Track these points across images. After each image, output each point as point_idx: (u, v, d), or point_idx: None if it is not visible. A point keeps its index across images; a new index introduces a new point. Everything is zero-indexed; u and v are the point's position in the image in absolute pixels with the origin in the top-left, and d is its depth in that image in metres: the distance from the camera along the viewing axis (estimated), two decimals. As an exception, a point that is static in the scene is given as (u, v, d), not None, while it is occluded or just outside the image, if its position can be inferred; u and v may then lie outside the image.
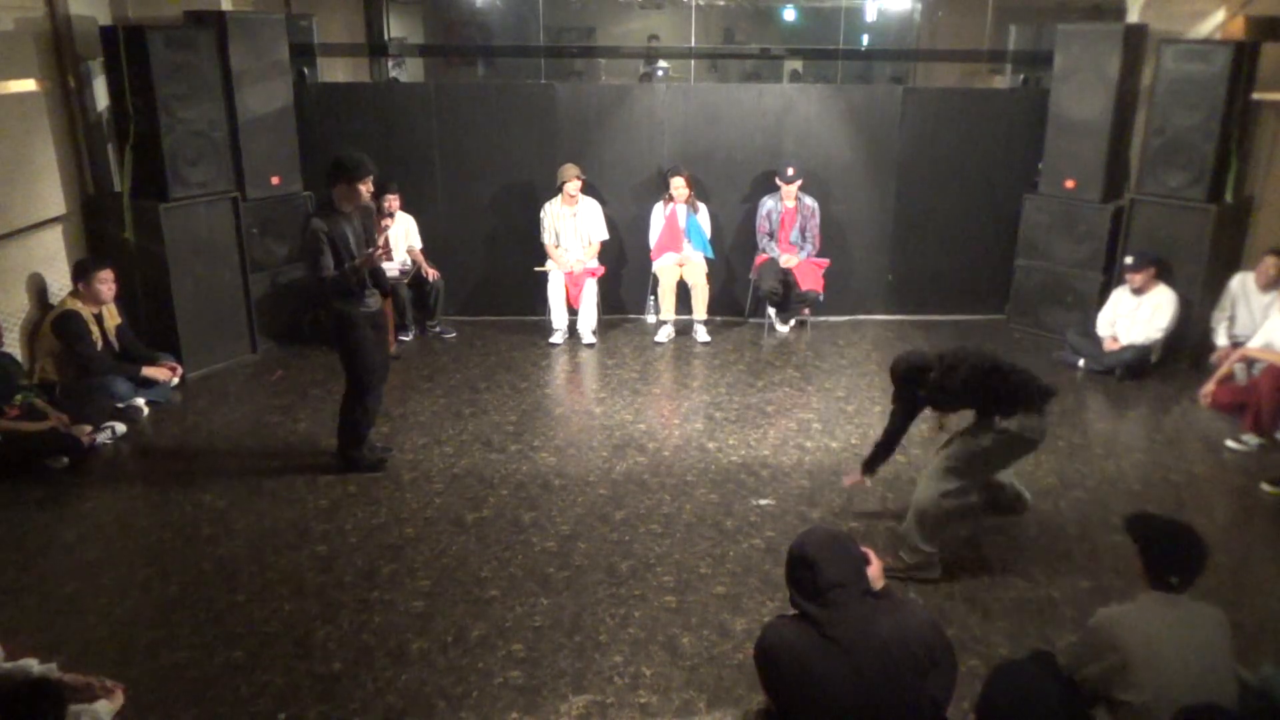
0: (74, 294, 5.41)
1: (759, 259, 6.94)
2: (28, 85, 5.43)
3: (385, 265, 6.30)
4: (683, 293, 6.85)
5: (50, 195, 5.61)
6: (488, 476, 4.76)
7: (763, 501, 4.53)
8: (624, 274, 7.26)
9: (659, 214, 6.86)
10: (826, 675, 2.40)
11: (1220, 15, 6.34)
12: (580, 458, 4.98)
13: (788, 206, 6.84)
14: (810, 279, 6.76)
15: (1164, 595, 2.70)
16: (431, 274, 6.85)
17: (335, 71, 8.27)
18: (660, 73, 10.64)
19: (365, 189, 4.47)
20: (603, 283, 6.90)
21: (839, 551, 2.51)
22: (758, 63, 11.39)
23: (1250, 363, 5.49)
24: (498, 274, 7.25)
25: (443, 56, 11.25)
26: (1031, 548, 4.10)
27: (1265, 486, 4.69)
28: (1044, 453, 4.79)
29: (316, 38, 7.33)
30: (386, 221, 6.52)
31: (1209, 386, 5.49)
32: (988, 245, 7.21)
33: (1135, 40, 6.35)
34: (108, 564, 3.99)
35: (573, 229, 6.75)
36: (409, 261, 6.74)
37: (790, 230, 6.87)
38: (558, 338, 6.76)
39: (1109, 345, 6.16)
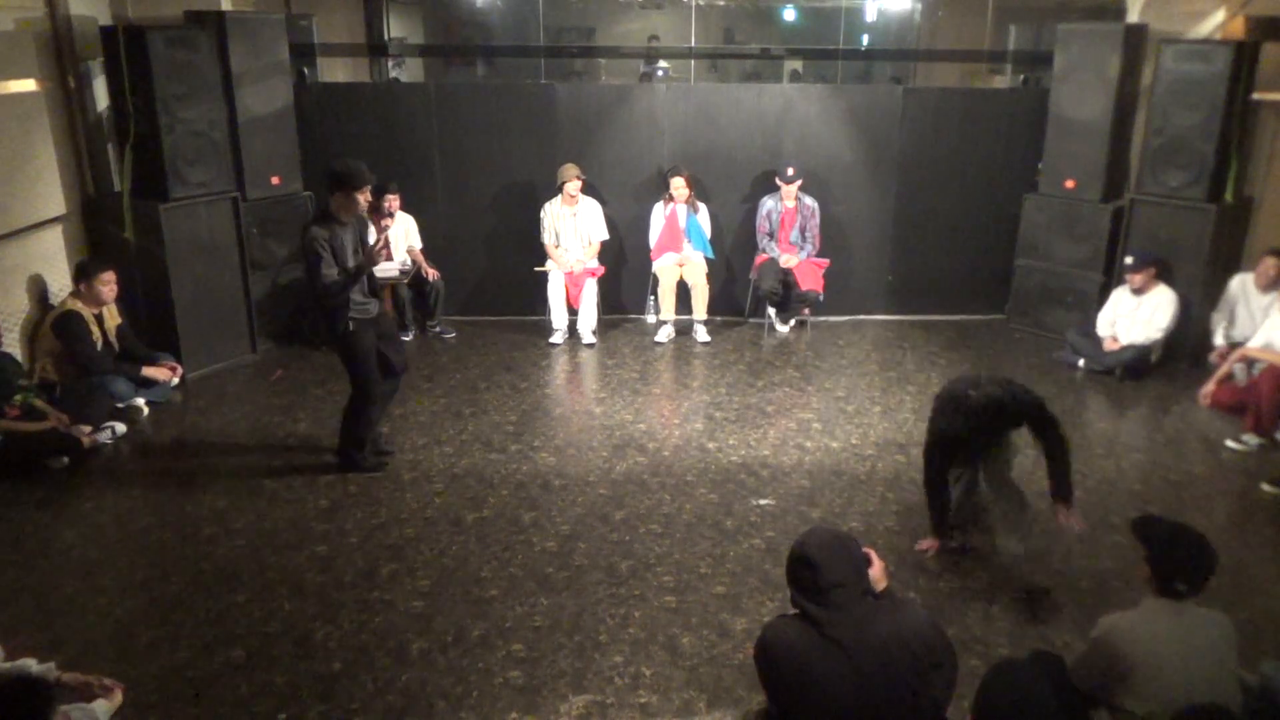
0: (74, 294, 5.41)
1: (759, 259, 6.94)
2: (28, 85, 5.43)
3: (385, 265, 6.39)
4: (683, 293, 6.85)
5: (50, 195, 5.61)
6: (488, 476, 4.76)
7: (763, 501, 4.53)
8: (624, 274, 7.26)
9: (659, 214, 6.86)
10: (826, 675, 2.40)
11: (1220, 15, 6.34)
12: (580, 458, 4.98)
13: (788, 206, 6.84)
14: (810, 279, 6.76)
15: (1169, 602, 2.67)
16: (431, 274, 6.85)
17: (335, 71, 8.27)
18: (660, 73, 10.64)
19: (363, 198, 4.46)
20: (603, 283, 6.90)
21: (840, 552, 2.51)
22: (758, 63, 11.39)
23: (1250, 363, 5.49)
24: (498, 274, 7.25)
25: (443, 56, 11.25)
26: (1030, 548, 4.09)
27: (1265, 486, 4.69)
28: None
29: (316, 38, 7.34)
30: (387, 221, 6.52)
31: (1209, 386, 5.50)
32: (988, 245, 7.21)
33: (1135, 40, 6.35)
34: (108, 564, 3.99)
35: (573, 229, 6.75)
36: (409, 261, 6.74)
37: (790, 230, 6.87)
38: (558, 338, 6.76)
39: (1109, 345, 6.16)
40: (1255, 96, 6.03)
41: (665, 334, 6.83)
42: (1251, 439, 5.12)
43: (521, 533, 4.24)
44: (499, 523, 4.32)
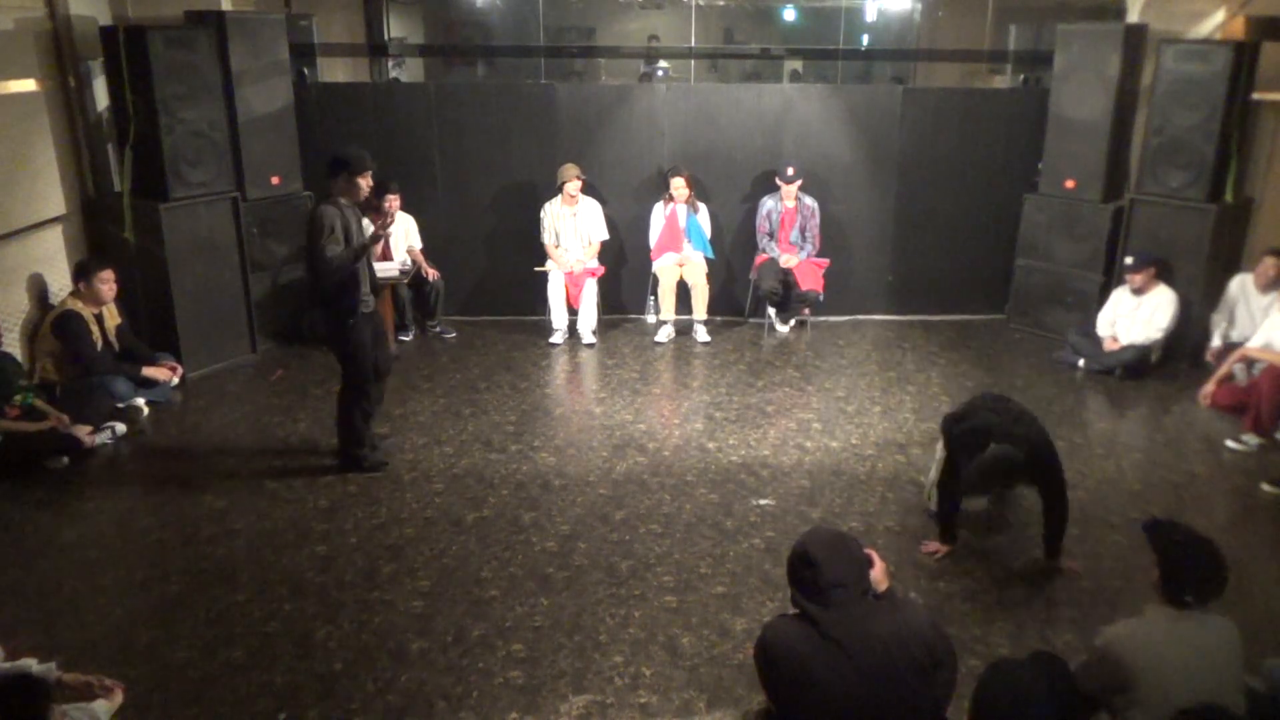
0: (74, 294, 5.40)
1: (759, 259, 6.93)
2: (28, 85, 5.43)
3: (385, 265, 6.39)
4: (683, 293, 6.85)
5: (50, 195, 5.61)
6: (488, 476, 4.76)
7: (763, 501, 4.53)
8: (624, 274, 7.26)
9: (659, 214, 6.86)
10: (826, 675, 2.40)
11: (1220, 15, 6.34)
12: (580, 458, 4.98)
13: (788, 206, 6.84)
14: (810, 279, 6.75)
15: (1174, 610, 2.63)
16: (431, 274, 6.85)
17: (335, 71, 8.26)
18: (660, 73, 10.64)
19: (365, 183, 4.49)
20: (603, 283, 6.90)
21: (841, 551, 2.51)
22: (758, 63, 11.39)
23: (1250, 363, 5.49)
24: (498, 274, 7.25)
25: (443, 56, 11.24)
26: (1032, 548, 4.09)
27: (1265, 486, 4.69)
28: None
29: (316, 38, 7.33)
30: (387, 219, 6.50)
31: (1209, 387, 5.50)
32: (988, 245, 7.21)
33: (1135, 40, 6.35)
34: (108, 564, 3.99)
35: (573, 229, 6.75)
36: (409, 261, 6.74)
37: (790, 230, 6.87)
38: (558, 338, 6.75)
39: (1109, 345, 6.16)
40: (1255, 96, 6.03)
41: (665, 334, 6.83)
42: (1251, 439, 5.12)
43: (521, 533, 4.24)
44: (499, 523, 4.32)
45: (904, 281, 7.37)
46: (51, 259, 5.67)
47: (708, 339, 6.81)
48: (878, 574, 2.65)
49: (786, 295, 6.88)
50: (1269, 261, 5.70)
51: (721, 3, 11.58)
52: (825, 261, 6.89)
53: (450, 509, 4.44)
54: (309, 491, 4.60)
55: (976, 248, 7.26)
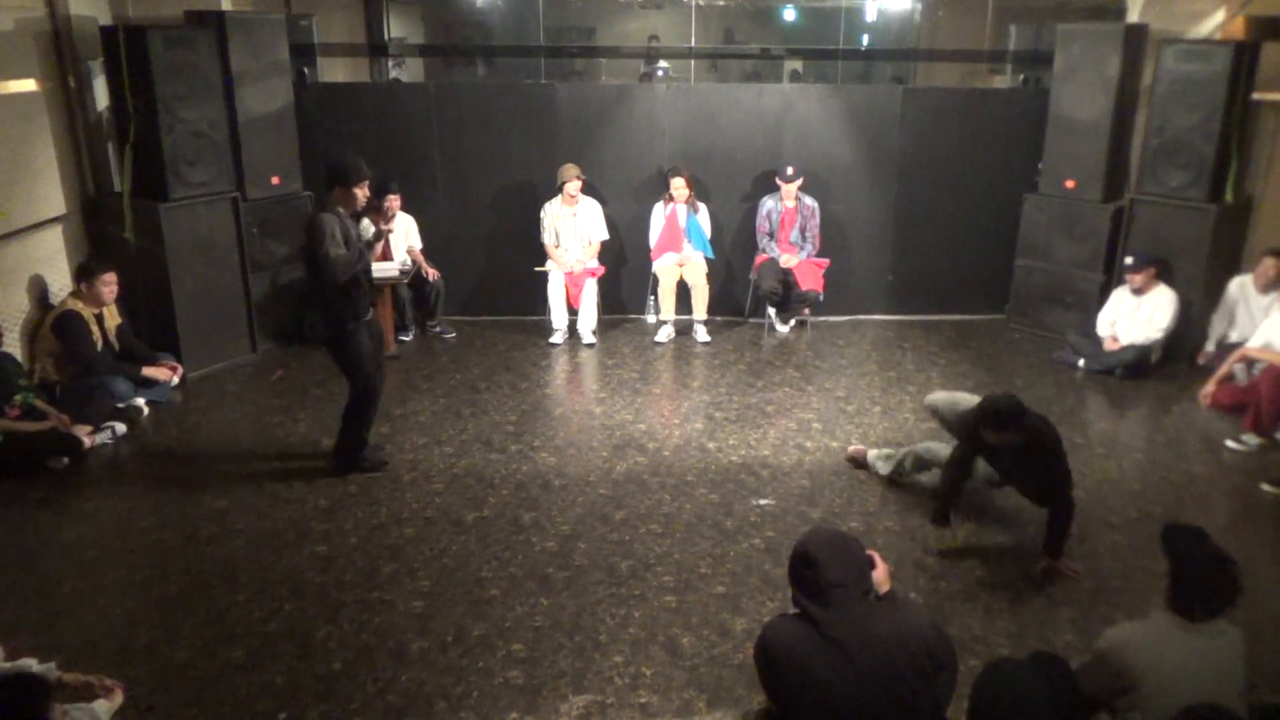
0: (74, 294, 5.40)
1: (759, 259, 6.93)
2: (28, 85, 5.43)
3: (385, 265, 6.39)
4: (683, 293, 6.85)
5: (50, 195, 5.61)
6: (488, 476, 4.76)
7: (763, 501, 4.53)
8: (624, 274, 7.26)
9: (659, 214, 6.86)
10: (826, 675, 2.40)
11: (1220, 15, 6.34)
12: (580, 458, 4.98)
13: (788, 206, 6.84)
14: (810, 279, 6.75)
15: (1180, 618, 2.62)
16: (431, 274, 6.85)
17: (335, 71, 8.26)
18: (660, 73, 10.64)
19: (362, 193, 4.48)
20: (603, 283, 6.90)
21: (842, 552, 2.51)
22: (758, 63, 11.39)
23: (1250, 363, 5.49)
24: (498, 274, 7.25)
25: (443, 56, 11.25)
26: (1032, 548, 4.09)
27: (1265, 486, 4.69)
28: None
29: (316, 38, 7.33)
30: (388, 225, 6.50)
31: (1209, 387, 5.50)
32: (988, 245, 7.21)
33: (1135, 40, 6.35)
34: (108, 564, 3.99)
35: (573, 229, 6.75)
36: (409, 261, 6.74)
37: (790, 230, 6.87)
38: (558, 338, 6.75)
39: (1109, 345, 6.16)
40: (1255, 96, 6.03)
41: (665, 334, 6.83)
42: (1251, 439, 5.12)
43: (521, 533, 4.24)
44: (499, 523, 4.32)
45: (904, 281, 7.37)
46: (51, 259, 5.67)
47: (708, 339, 6.81)
48: (880, 576, 2.65)
49: (786, 295, 6.88)
50: (1269, 262, 5.71)
51: (721, 3, 11.58)
52: (825, 261, 6.89)
53: (450, 509, 4.44)
54: (309, 491, 4.60)
55: (976, 248, 7.26)
